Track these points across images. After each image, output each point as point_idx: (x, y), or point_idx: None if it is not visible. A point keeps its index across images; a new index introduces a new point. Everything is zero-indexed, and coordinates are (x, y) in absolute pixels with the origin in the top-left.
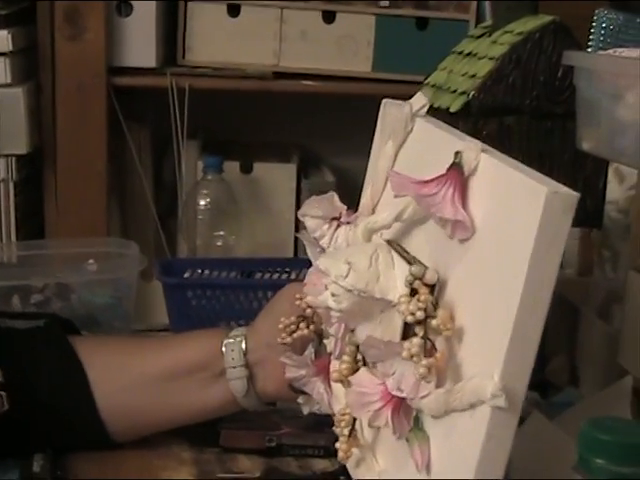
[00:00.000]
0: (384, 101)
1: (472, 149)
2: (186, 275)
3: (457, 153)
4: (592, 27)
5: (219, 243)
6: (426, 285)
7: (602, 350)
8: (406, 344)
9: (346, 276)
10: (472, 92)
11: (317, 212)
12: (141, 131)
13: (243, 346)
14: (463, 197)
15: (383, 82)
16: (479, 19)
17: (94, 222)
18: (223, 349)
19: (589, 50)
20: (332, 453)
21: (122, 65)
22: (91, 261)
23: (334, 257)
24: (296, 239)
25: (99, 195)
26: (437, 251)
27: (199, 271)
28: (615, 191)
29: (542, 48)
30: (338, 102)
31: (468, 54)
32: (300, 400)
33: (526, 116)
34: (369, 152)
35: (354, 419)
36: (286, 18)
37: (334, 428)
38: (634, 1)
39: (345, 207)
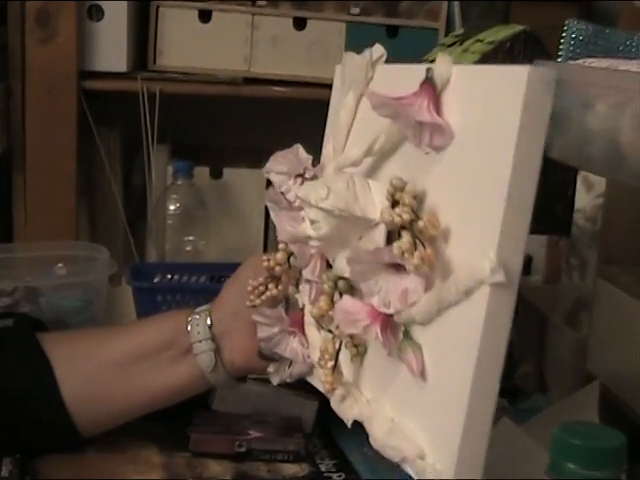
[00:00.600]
0: (345, 54)
1: (444, 62)
2: (156, 280)
3: (428, 69)
4: (562, 37)
5: (188, 248)
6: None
7: (570, 357)
8: (396, 244)
9: (326, 198)
10: None
11: (282, 168)
12: (111, 135)
13: (208, 320)
14: (437, 108)
15: None
16: (449, 27)
17: (63, 226)
18: (188, 327)
19: (559, 60)
20: (302, 458)
21: (93, 69)
22: (60, 265)
23: (312, 186)
24: (265, 245)
25: (68, 199)
26: (413, 170)
27: (168, 276)
28: (583, 199)
29: (513, 57)
30: (308, 108)
31: None
32: (270, 369)
33: None
34: None
35: (337, 354)
36: (257, 24)
37: (317, 364)
38: (599, 12)
39: (311, 158)
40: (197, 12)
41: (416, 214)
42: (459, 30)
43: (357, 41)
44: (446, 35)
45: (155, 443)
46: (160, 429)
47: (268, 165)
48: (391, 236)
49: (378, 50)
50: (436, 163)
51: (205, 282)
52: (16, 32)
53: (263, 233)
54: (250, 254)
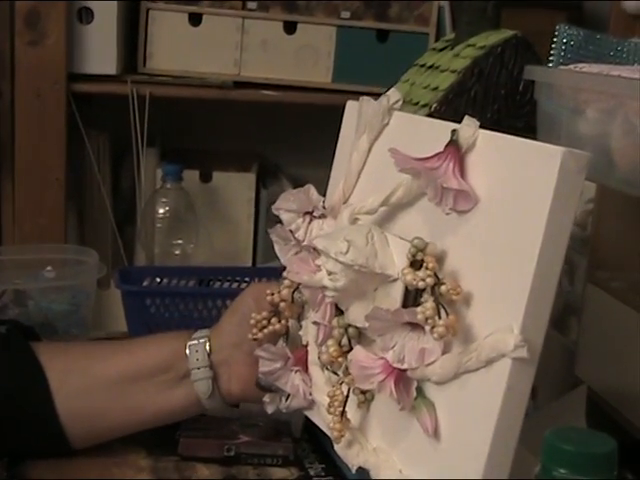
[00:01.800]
0: (361, 98)
1: (470, 126)
2: (145, 283)
3: (454, 131)
4: (553, 42)
5: (177, 251)
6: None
7: (558, 362)
8: (419, 309)
9: (346, 252)
10: (434, 105)
11: (291, 206)
12: (100, 138)
13: (207, 347)
14: (461, 171)
15: (343, 93)
16: (439, 32)
17: (52, 229)
18: (187, 351)
19: (550, 65)
20: (291, 462)
21: (82, 72)
22: (49, 268)
23: (331, 237)
24: (254, 248)
25: (57, 202)
26: (431, 227)
27: (157, 279)
28: None
29: (504, 62)
30: (298, 112)
31: (430, 67)
32: (266, 399)
33: (487, 130)
34: (328, 162)
35: (345, 400)
36: (247, 28)
37: (325, 410)
38: (589, 18)
39: (322, 199)
40: (187, 15)
41: (438, 277)
42: (450, 35)
43: (347, 45)
44: (436, 40)
45: (143, 447)
46: (148, 433)
47: (278, 203)
48: (407, 292)
49: (395, 95)
50: (457, 225)
51: (194, 286)
52: (5, 34)
53: (252, 237)
54: (239, 258)
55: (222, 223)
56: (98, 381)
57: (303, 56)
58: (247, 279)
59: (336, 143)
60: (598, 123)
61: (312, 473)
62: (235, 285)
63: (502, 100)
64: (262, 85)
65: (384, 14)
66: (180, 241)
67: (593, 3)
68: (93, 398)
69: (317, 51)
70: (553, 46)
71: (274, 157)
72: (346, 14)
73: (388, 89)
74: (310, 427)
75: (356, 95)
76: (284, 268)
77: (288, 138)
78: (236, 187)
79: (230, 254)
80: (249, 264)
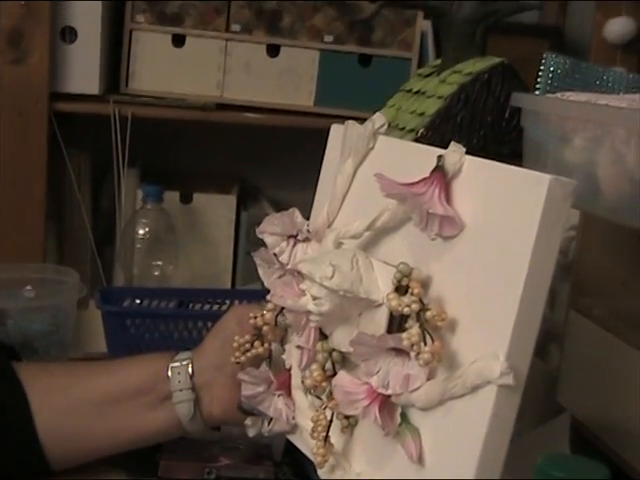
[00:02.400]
0: (347, 122)
1: (456, 152)
2: (125, 304)
3: (440, 157)
4: (540, 70)
5: (156, 273)
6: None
7: (539, 389)
8: (405, 335)
9: (331, 277)
10: (421, 130)
11: (275, 229)
12: (81, 157)
13: (190, 369)
14: (447, 197)
15: (325, 117)
16: (422, 57)
17: (31, 248)
18: (169, 373)
19: (536, 93)
20: None
21: (65, 91)
22: (29, 287)
23: (316, 261)
24: (234, 271)
25: (37, 221)
26: (416, 253)
27: (137, 300)
28: None
29: (490, 89)
30: (279, 135)
31: (417, 92)
32: (247, 422)
33: (473, 156)
34: (309, 185)
35: (329, 425)
36: (230, 50)
37: (309, 435)
38: (570, 46)
39: (306, 223)
40: (171, 36)
41: (423, 303)
42: (436, 61)
43: (330, 69)
44: (419, 65)
45: (123, 468)
46: (128, 454)
47: (262, 226)
48: (392, 317)
49: (380, 120)
50: (442, 250)
51: (175, 307)
52: None
53: (232, 259)
54: (218, 280)
55: (202, 244)
56: (79, 402)
57: (286, 79)
58: (227, 301)
59: (318, 166)
60: (585, 151)
61: None
62: (216, 307)
63: (488, 126)
64: (244, 107)
65: (367, 39)
66: (159, 262)
67: (574, 32)
68: (74, 419)
69: (300, 74)
70: (540, 74)
71: (255, 179)
72: (329, 38)
73: (373, 113)
74: (291, 450)
75: (338, 119)
76: (267, 291)
77: (269, 161)
78: (216, 209)
79: (209, 275)
80: (228, 286)
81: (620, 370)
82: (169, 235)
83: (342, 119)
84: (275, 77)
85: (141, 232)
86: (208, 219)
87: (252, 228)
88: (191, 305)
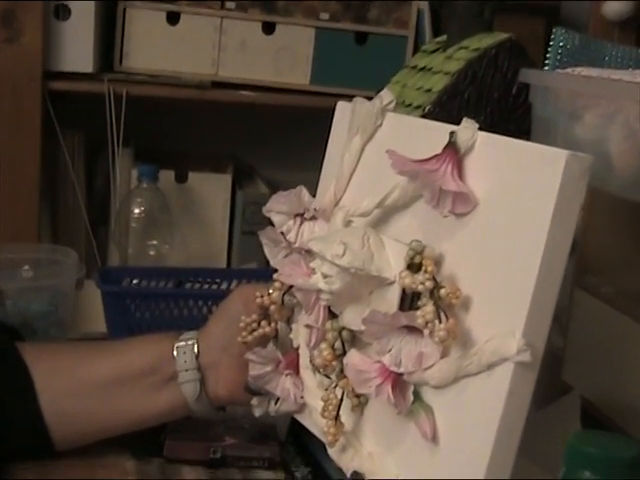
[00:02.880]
0: (354, 99)
1: (468, 128)
2: (123, 284)
3: (452, 133)
4: (549, 46)
5: (152, 252)
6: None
7: (542, 368)
8: (419, 312)
9: (342, 255)
10: (428, 106)
11: (282, 207)
12: (75, 136)
13: (195, 349)
14: (460, 174)
15: (320, 95)
16: (418, 35)
17: (25, 228)
18: (174, 353)
19: (546, 68)
20: (277, 465)
21: (59, 70)
22: (26, 267)
23: (326, 240)
24: (229, 250)
25: (31, 200)
26: (427, 230)
27: (136, 280)
28: None
29: (497, 65)
30: (275, 114)
31: (422, 69)
32: (253, 402)
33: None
34: (304, 164)
35: (339, 404)
36: (226, 28)
37: (320, 414)
38: (566, 24)
39: (313, 201)
40: (165, 14)
41: (436, 281)
42: (440, 38)
43: (326, 47)
44: (415, 43)
45: (128, 449)
46: (133, 435)
47: (269, 205)
48: (404, 295)
49: (387, 96)
50: (455, 228)
51: (173, 287)
52: None
53: (227, 239)
54: (213, 260)
55: (197, 224)
56: (84, 382)
57: (281, 57)
58: (226, 281)
59: (313, 145)
60: (597, 127)
61: (299, 476)
62: (215, 287)
63: (495, 103)
64: (239, 86)
65: (363, 17)
66: (155, 242)
67: (571, 9)
68: (79, 399)
69: (295, 53)
70: (549, 49)
71: (250, 158)
72: (325, 16)
73: (370, 91)
74: (295, 430)
75: (334, 97)
76: (269, 270)
77: (264, 140)
78: (212, 188)
79: (205, 255)
80: (223, 265)
81: (627, 347)
82: (164, 215)
83: (338, 97)
84: (271, 55)
85: (136, 211)
86: (203, 198)
87: (247, 207)
88: (190, 285)
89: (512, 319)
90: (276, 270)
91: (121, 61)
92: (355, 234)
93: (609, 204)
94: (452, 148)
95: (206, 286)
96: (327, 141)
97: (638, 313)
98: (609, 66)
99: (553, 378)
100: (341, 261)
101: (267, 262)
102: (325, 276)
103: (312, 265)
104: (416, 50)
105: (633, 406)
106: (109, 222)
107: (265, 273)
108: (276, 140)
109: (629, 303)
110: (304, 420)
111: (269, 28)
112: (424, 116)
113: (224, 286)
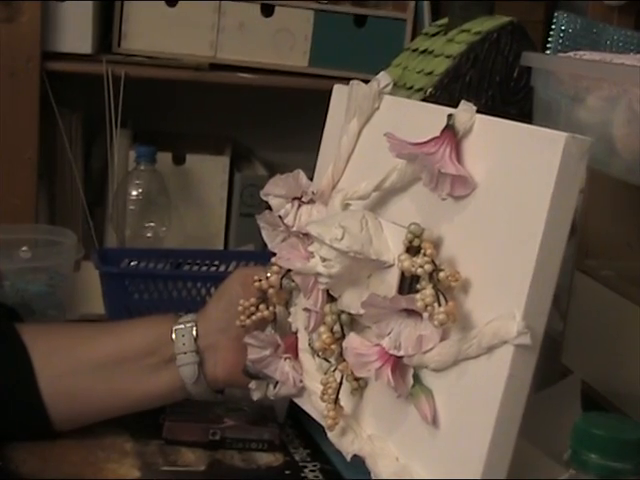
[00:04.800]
0: (351, 82)
1: (467, 111)
2: (122, 265)
3: (450, 115)
4: (550, 30)
5: (149, 234)
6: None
7: (542, 351)
8: (418, 295)
9: (341, 238)
10: (429, 89)
11: (280, 191)
12: (73, 118)
13: (194, 332)
14: (458, 157)
15: (319, 77)
16: (417, 19)
17: (23, 209)
18: (173, 335)
19: (548, 52)
20: (276, 447)
21: (57, 50)
22: (24, 248)
23: (325, 223)
24: (226, 232)
25: (29, 181)
26: (425, 213)
27: (134, 262)
28: None
29: (499, 48)
30: (273, 96)
31: (423, 51)
32: (252, 386)
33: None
34: (302, 146)
35: (339, 388)
36: (224, 10)
37: (319, 397)
38: (566, 8)
39: (311, 183)
40: None
41: (436, 264)
42: (441, 20)
43: (325, 30)
44: (414, 26)
45: (127, 430)
46: (132, 416)
47: (267, 188)
48: (403, 278)
49: (385, 79)
50: (453, 211)
51: (172, 269)
52: None
53: (224, 221)
54: (211, 242)
55: (194, 206)
56: (83, 363)
57: (280, 39)
58: (224, 263)
59: (312, 127)
60: (599, 111)
61: (297, 458)
62: (214, 269)
63: (496, 86)
64: (238, 68)
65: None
66: (152, 223)
67: None
68: (77, 380)
69: (294, 35)
70: (551, 33)
71: (248, 140)
72: None
73: (369, 74)
74: (294, 412)
75: (332, 80)
76: (267, 253)
77: (263, 122)
78: (209, 170)
79: (202, 237)
80: (221, 247)
81: (627, 330)
82: (162, 196)
83: (336, 80)
84: (269, 37)
85: (134, 193)
86: (201, 180)
87: (245, 189)
88: (188, 266)
89: (512, 302)
90: (274, 253)
91: (119, 42)
92: (354, 217)
93: (610, 187)
94: (450, 131)
95: (204, 268)
96: (325, 124)
97: (638, 296)
98: (610, 50)
99: (553, 361)
100: (340, 244)
101: (265, 244)
102: (324, 259)
103: (310, 249)
104: (415, 33)
105: (632, 389)
106: (106, 203)
107: (263, 255)
108: (274, 122)
109: (629, 286)
110: (303, 404)
111: (268, 10)
112: (425, 99)
113: (222, 268)
